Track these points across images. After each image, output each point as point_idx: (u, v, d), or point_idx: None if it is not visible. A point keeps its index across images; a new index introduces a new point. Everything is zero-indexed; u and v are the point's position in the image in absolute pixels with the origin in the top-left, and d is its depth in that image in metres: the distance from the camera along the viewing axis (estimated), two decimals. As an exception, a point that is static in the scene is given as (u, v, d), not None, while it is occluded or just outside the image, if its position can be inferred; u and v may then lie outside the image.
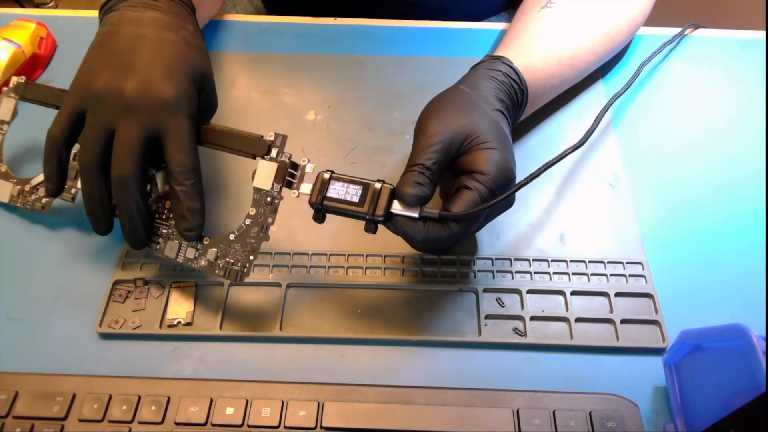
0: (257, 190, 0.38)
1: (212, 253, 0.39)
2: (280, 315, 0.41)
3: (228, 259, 0.39)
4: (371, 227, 0.37)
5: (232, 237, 0.39)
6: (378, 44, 0.59)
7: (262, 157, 0.38)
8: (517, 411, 0.36)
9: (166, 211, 0.41)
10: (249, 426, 0.35)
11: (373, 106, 0.54)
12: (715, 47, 0.58)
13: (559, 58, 0.48)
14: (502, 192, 0.37)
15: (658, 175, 0.49)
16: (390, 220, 0.37)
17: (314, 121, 0.52)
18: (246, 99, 0.54)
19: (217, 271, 0.39)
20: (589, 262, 0.43)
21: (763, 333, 0.30)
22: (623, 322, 0.40)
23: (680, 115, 0.53)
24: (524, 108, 0.46)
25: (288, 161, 0.38)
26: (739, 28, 0.58)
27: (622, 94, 0.48)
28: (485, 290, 0.42)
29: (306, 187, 0.38)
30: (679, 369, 0.36)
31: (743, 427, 0.29)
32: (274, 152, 0.38)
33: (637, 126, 0.52)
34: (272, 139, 0.39)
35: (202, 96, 0.41)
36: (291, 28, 0.61)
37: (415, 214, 0.36)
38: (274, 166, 0.38)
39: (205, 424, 0.35)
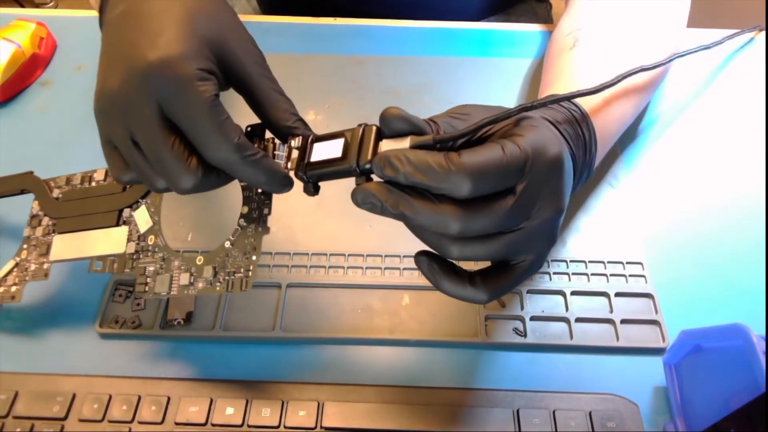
0: (246, 187, 0.36)
1: (209, 270, 0.35)
2: (280, 315, 0.41)
3: (228, 270, 0.35)
4: (361, 180, 0.31)
5: (227, 244, 0.35)
6: (378, 44, 0.59)
7: None
8: (517, 411, 0.36)
9: (150, 246, 0.37)
10: (249, 426, 0.35)
11: (373, 106, 0.53)
12: (716, 46, 0.58)
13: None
14: (536, 166, 0.28)
15: (658, 175, 0.49)
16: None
17: (314, 121, 0.52)
18: (246, 99, 0.54)
19: (218, 288, 0.35)
20: (589, 262, 0.43)
21: (763, 333, 0.30)
22: (623, 322, 0.40)
23: (680, 114, 0.53)
24: (595, 145, 0.37)
25: (271, 143, 0.34)
26: (739, 27, 0.58)
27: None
28: (485, 290, 0.41)
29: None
30: (679, 369, 0.36)
31: (743, 427, 0.29)
32: None
33: (637, 126, 0.52)
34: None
35: (228, 70, 0.32)
36: (291, 28, 0.61)
37: (406, 145, 0.30)
38: None
39: (205, 424, 0.35)
